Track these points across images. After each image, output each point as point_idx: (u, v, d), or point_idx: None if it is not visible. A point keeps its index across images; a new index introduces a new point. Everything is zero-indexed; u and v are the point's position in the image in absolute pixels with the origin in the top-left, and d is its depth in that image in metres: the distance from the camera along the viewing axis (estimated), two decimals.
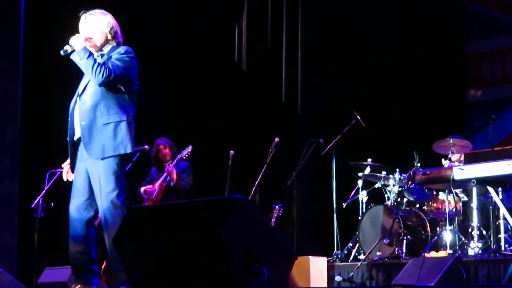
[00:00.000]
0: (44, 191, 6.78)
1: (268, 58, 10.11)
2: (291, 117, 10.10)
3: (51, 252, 7.10)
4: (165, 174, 7.53)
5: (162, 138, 7.80)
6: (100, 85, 4.77)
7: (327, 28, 10.12)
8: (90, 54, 4.80)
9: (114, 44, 4.95)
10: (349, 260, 7.63)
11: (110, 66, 4.77)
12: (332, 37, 10.08)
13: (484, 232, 7.27)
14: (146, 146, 7.37)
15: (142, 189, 7.61)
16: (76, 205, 4.84)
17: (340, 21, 10.03)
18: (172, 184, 7.49)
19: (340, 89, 9.81)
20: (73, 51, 4.79)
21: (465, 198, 7.58)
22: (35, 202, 6.79)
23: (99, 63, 4.77)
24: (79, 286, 4.73)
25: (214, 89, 9.65)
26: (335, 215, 7.95)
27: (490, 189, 5.97)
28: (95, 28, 4.92)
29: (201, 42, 9.54)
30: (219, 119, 9.50)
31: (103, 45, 4.95)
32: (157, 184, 7.57)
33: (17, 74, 7.98)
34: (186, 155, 7.55)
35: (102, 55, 4.91)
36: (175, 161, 7.55)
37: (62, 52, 4.80)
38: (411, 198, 7.76)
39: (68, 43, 4.80)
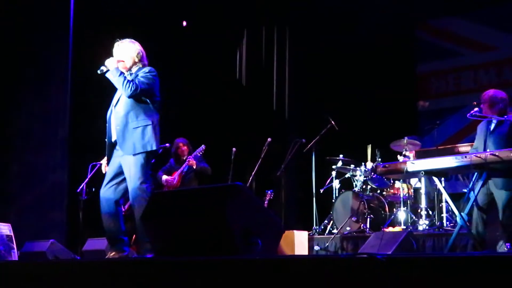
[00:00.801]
0: (87, 179, 6.73)
1: (262, 76, 10.12)
2: (280, 122, 10.10)
3: (92, 227, 7.05)
4: (184, 165, 7.51)
5: (181, 138, 7.80)
6: (129, 97, 4.76)
7: (309, 52, 10.17)
8: (121, 73, 4.79)
9: (141, 66, 4.92)
10: (325, 234, 7.64)
11: (137, 82, 4.75)
12: (313, 58, 10.12)
13: (430, 212, 7.28)
14: (167, 144, 7.38)
15: (164, 178, 7.58)
16: (106, 189, 4.82)
17: (319, 47, 10.06)
18: (194, 168, 7.47)
19: (319, 100, 9.84)
20: (107, 70, 4.79)
21: (416, 185, 7.60)
22: (80, 187, 6.75)
23: (128, 80, 4.75)
24: (113, 253, 4.70)
25: (220, 100, 9.63)
26: (314, 198, 7.95)
27: (435, 179, 5.96)
28: (125, 53, 4.91)
29: (210, 63, 9.52)
30: (224, 123, 9.48)
31: (131, 66, 4.93)
32: (176, 174, 7.56)
33: (67, 87, 7.95)
34: (201, 153, 7.54)
35: (130, 74, 4.89)
36: (192, 156, 7.56)
37: (99, 71, 4.79)
38: (373, 186, 7.78)
39: (104, 64, 4.80)
